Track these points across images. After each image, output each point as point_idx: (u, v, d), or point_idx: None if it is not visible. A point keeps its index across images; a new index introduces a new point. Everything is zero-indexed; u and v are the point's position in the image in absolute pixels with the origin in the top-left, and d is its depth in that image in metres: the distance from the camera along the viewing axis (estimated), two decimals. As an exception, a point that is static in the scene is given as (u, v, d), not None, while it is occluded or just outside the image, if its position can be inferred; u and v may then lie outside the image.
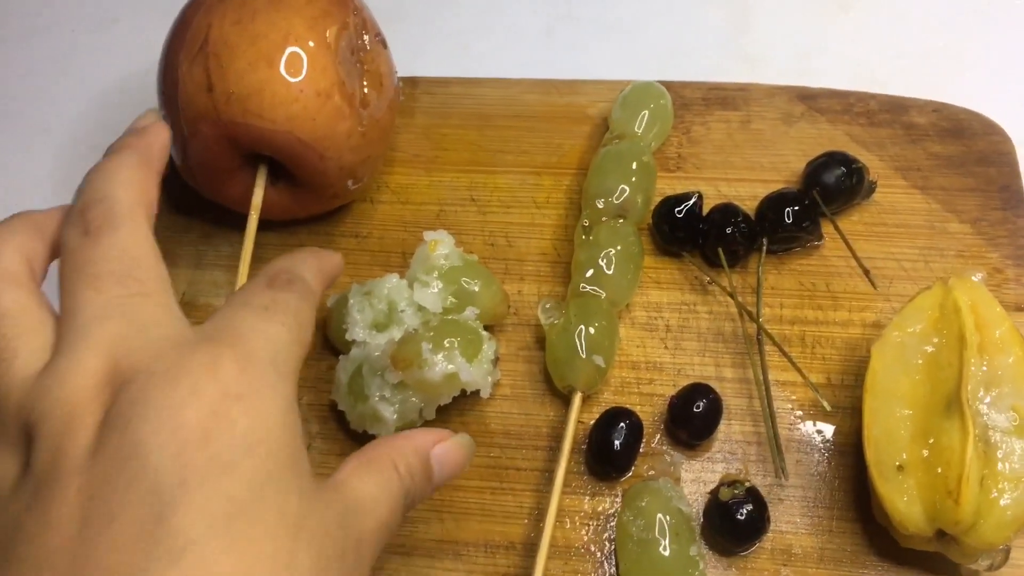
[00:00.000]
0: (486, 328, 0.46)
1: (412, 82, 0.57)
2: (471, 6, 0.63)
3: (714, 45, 0.60)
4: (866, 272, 0.45)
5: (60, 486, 0.26)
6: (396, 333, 0.45)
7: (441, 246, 0.48)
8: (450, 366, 0.43)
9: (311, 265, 0.35)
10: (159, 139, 0.35)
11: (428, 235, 0.48)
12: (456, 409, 0.46)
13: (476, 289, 0.47)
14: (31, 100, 0.62)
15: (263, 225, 0.49)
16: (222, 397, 0.27)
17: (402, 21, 0.63)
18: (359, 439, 0.46)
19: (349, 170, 0.48)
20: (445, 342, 0.43)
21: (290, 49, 0.45)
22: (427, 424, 0.45)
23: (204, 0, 0.47)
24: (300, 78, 0.45)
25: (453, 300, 0.47)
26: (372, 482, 0.32)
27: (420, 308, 0.46)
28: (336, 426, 0.47)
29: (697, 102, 0.55)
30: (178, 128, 0.46)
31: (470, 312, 0.46)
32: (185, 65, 0.45)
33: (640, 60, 0.60)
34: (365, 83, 0.48)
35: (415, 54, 0.61)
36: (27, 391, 0.28)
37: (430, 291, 0.46)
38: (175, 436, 0.26)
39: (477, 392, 0.44)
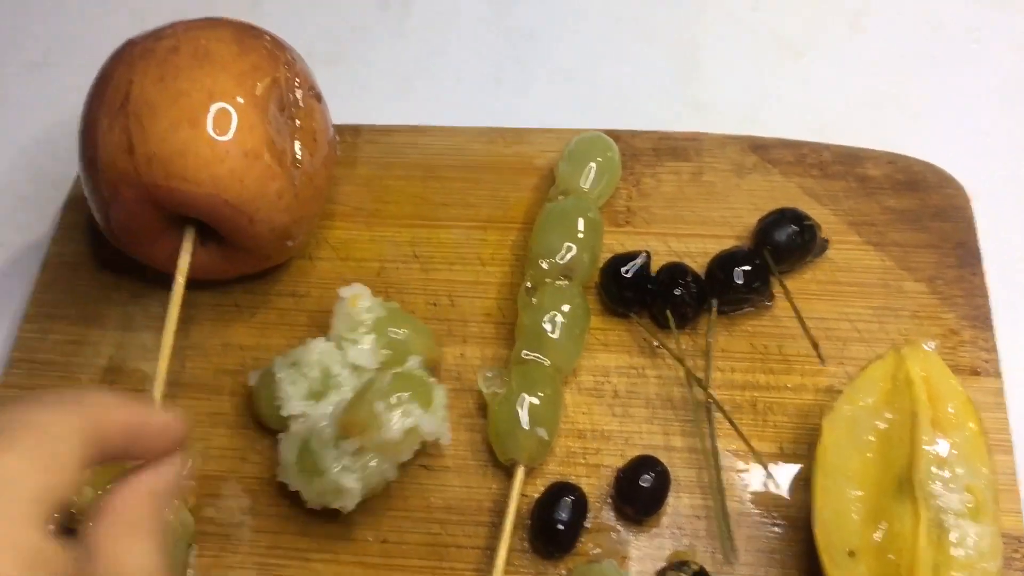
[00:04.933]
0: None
1: (355, 130, 0.55)
2: (416, 50, 0.61)
3: (663, 93, 0.58)
4: (815, 346, 0.44)
5: None
6: (335, 399, 0.43)
7: (361, 300, 0.46)
8: (408, 420, 0.41)
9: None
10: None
11: (345, 291, 0.46)
12: (396, 483, 0.44)
13: (405, 336, 0.45)
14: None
15: (196, 284, 0.47)
16: None
17: (342, 63, 0.61)
18: (316, 516, 0.43)
19: (281, 231, 0.46)
20: (395, 397, 0.41)
21: (215, 107, 0.43)
22: (390, 486, 0.43)
23: (126, 54, 0.44)
24: (226, 138, 0.42)
25: (386, 352, 0.45)
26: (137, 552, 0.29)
27: (355, 368, 0.44)
28: (273, 501, 0.45)
29: (647, 152, 0.53)
30: (98, 190, 0.44)
31: (413, 361, 0.44)
32: (105, 124, 0.43)
33: (588, 108, 0.58)
34: (298, 140, 0.45)
35: (357, 98, 0.59)
36: None
37: (362, 348, 0.45)
38: None
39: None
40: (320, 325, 0.49)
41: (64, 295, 0.51)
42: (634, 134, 0.54)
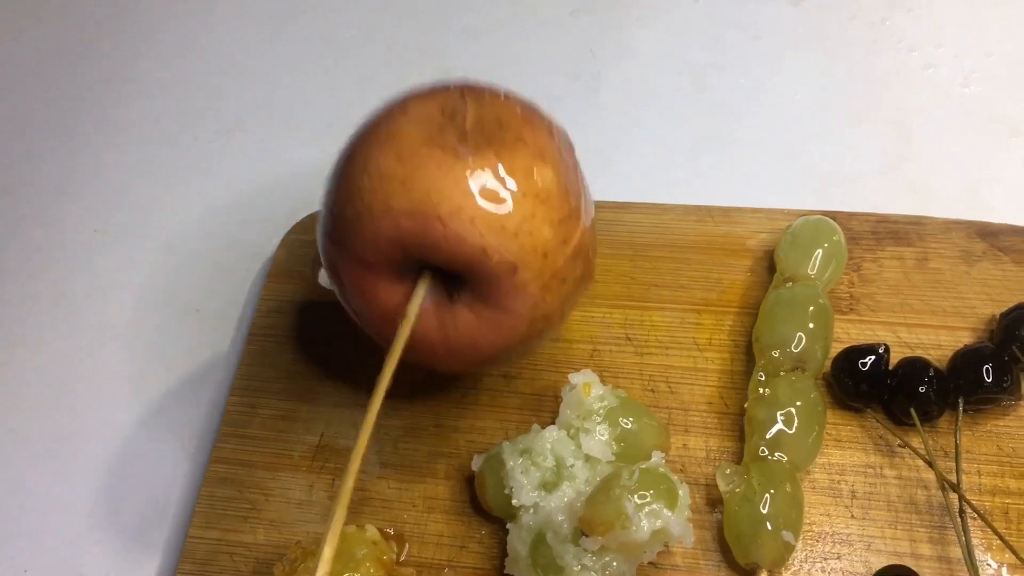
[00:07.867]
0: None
1: (556, 206, 0.54)
2: (612, 121, 0.61)
3: (875, 173, 0.56)
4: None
5: None
6: (568, 491, 0.42)
7: (594, 387, 0.45)
8: (658, 522, 0.39)
9: None
10: None
11: (576, 377, 0.45)
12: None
13: (636, 428, 0.44)
14: (153, 211, 0.60)
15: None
16: None
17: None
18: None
19: (542, 299, 0.40)
20: (639, 496, 0.40)
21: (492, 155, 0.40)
22: None
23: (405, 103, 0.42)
24: (509, 190, 0.38)
25: (620, 443, 0.43)
26: None
27: (588, 459, 0.43)
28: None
29: (866, 236, 0.51)
30: (348, 219, 0.40)
31: (657, 458, 0.43)
32: (374, 157, 0.39)
33: (796, 187, 0.56)
34: (572, 200, 0.42)
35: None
36: None
37: (598, 439, 0.43)
38: None
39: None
40: (533, 408, 0.48)
41: (272, 369, 0.50)
42: (851, 216, 0.52)
